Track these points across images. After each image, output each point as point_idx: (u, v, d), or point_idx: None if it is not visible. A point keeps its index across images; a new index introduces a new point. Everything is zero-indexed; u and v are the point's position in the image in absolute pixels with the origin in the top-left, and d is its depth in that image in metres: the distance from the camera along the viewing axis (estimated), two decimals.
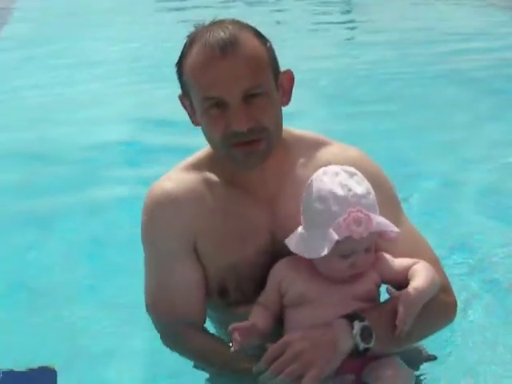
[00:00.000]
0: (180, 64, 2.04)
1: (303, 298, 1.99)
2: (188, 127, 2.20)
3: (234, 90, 1.94)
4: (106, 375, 2.58)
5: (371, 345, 1.90)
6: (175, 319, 2.16)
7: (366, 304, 1.98)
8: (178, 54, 2.06)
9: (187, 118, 2.12)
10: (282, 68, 2.07)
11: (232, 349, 1.92)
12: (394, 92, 6.19)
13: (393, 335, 1.91)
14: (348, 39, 8.96)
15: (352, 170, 1.99)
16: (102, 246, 3.58)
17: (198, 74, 1.97)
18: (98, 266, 3.39)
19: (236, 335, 1.91)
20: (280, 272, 2.04)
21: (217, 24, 2.02)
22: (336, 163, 2.05)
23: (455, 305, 2.14)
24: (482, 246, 3.40)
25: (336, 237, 1.89)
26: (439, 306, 2.02)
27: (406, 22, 9.45)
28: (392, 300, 1.96)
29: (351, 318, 1.91)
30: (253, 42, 1.98)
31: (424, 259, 2.05)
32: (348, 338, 1.89)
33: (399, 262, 2.03)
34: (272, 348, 1.89)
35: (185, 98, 2.09)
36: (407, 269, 2.00)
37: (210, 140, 2.07)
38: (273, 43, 2.05)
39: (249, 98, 1.96)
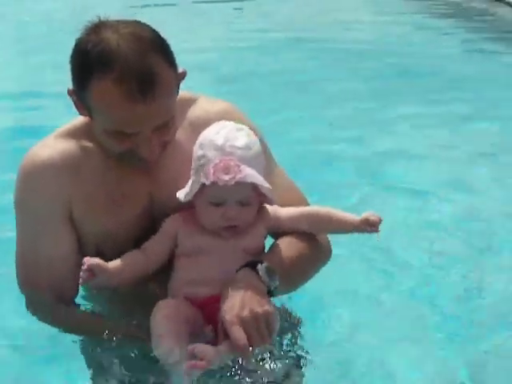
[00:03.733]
0: (83, 75, 1.94)
1: (197, 249, 2.03)
2: None
3: (148, 127, 1.95)
4: None
5: (277, 283, 1.96)
6: (45, 291, 2.14)
7: (254, 255, 2.04)
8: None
9: None
10: None
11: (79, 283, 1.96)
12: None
13: (288, 276, 2.02)
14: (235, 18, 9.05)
15: (241, 126, 2.04)
16: None
17: (113, 112, 1.92)
18: None
19: (84, 271, 1.92)
20: (175, 224, 2.06)
21: (125, 37, 1.91)
22: (207, 118, 2.09)
23: (329, 243, 2.25)
24: None
25: (203, 180, 1.95)
26: (320, 246, 2.17)
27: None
28: (277, 245, 2.09)
29: (251, 265, 1.96)
30: (166, 74, 1.93)
31: (300, 206, 2.17)
32: (260, 282, 1.94)
33: (284, 212, 2.10)
34: (234, 334, 1.85)
35: (76, 97, 2.01)
36: (293, 217, 2.10)
37: (101, 142, 2.04)
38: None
39: (158, 127, 1.97)
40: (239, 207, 1.98)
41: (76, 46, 1.97)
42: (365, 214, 2.03)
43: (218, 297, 1.95)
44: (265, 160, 2.08)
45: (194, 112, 2.15)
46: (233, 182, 1.92)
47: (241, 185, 1.94)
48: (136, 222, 2.13)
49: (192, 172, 2.03)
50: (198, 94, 2.22)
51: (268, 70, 6.36)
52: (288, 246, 2.08)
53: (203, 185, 1.96)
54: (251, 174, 1.94)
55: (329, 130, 4.87)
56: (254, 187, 1.97)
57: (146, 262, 2.04)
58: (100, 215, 2.12)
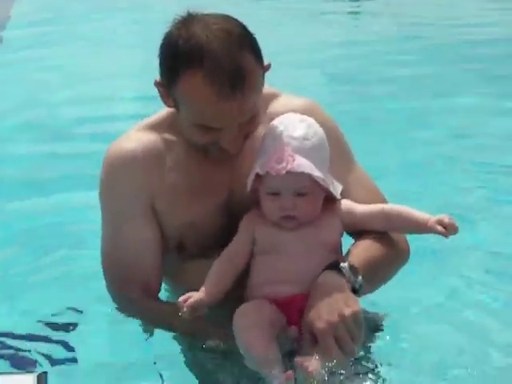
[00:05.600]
0: (172, 69, 1.98)
1: (274, 246, 2.02)
2: None
3: (234, 123, 1.99)
4: None
5: (361, 281, 1.95)
6: (129, 281, 2.17)
7: (332, 251, 2.03)
8: None
9: None
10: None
11: (181, 314, 1.94)
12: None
13: (369, 275, 1.99)
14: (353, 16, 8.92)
15: (306, 117, 2.05)
16: None
17: (201, 107, 1.96)
18: None
19: (183, 307, 1.93)
20: (252, 221, 2.07)
21: (216, 33, 1.94)
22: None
23: (408, 244, 2.22)
24: None
25: (257, 170, 1.96)
26: (398, 247, 2.15)
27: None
28: (356, 245, 2.08)
29: (333, 266, 1.96)
30: (254, 70, 1.97)
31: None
32: (345, 282, 1.93)
33: (360, 208, 2.09)
34: (326, 342, 1.85)
35: (163, 89, 2.06)
36: (368, 214, 2.08)
37: (185, 133, 2.08)
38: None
39: (244, 121, 2.01)
40: (295, 197, 1.98)
41: (166, 38, 2.02)
42: (440, 216, 2.00)
43: (301, 295, 1.96)
44: (338, 156, 2.12)
45: (275, 107, 2.17)
46: (284, 172, 1.93)
47: (295, 174, 1.95)
48: (216, 213, 2.17)
49: None
50: (279, 90, 2.24)
51: (381, 72, 6.28)
52: (367, 246, 2.07)
53: (261, 175, 1.98)
54: (304, 164, 1.94)
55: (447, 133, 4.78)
56: (313, 178, 1.97)
57: (233, 269, 2.04)
58: (181, 206, 2.15)
